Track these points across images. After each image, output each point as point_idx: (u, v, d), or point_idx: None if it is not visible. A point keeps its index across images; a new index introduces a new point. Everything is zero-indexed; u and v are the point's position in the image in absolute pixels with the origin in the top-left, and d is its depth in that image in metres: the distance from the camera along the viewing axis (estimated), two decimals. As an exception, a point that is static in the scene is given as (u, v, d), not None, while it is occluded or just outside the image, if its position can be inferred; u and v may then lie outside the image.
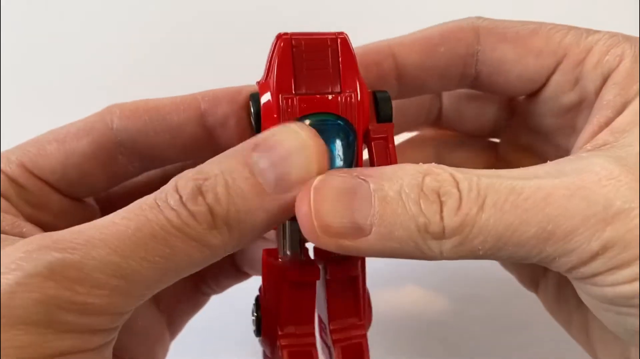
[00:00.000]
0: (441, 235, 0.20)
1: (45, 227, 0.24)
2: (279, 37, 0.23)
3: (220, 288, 0.33)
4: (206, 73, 0.38)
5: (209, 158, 0.24)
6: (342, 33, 0.23)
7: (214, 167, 0.21)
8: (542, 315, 0.30)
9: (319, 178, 0.21)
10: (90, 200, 0.28)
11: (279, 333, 0.24)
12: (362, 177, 0.21)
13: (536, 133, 0.28)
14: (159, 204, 0.20)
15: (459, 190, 0.20)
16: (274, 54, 0.23)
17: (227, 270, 0.32)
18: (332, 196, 0.21)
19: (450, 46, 0.26)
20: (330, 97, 0.23)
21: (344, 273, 0.25)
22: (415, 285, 0.38)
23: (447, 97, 0.30)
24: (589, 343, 0.27)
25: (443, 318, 0.38)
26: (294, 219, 0.24)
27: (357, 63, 0.23)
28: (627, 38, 0.24)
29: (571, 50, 0.24)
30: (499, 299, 0.32)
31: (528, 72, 0.25)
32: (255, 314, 0.26)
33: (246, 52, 0.36)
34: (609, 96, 0.23)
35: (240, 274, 0.32)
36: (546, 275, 0.29)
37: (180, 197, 0.20)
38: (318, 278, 0.24)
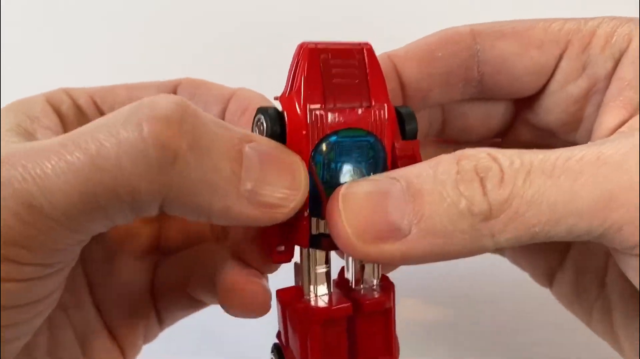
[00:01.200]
0: (488, 214, 0.18)
1: None
2: (303, 47, 0.21)
3: (173, 320, 0.29)
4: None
5: None
6: (367, 43, 0.22)
7: (206, 121, 0.18)
8: (543, 315, 0.30)
9: (345, 185, 0.20)
10: None
11: None
12: (393, 176, 0.19)
13: (539, 132, 0.27)
14: (113, 133, 0.17)
15: (499, 164, 0.18)
16: (300, 65, 0.21)
17: (181, 301, 0.28)
18: (362, 200, 0.19)
19: (448, 50, 0.25)
20: (360, 111, 0.21)
21: (378, 305, 0.22)
22: (416, 285, 0.36)
23: (450, 109, 0.28)
24: (612, 333, 0.26)
25: (444, 318, 0.37)
26: (317, 249, 0.22)
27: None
28: (629, 19, 0.23)
29: (574, 37, 0.24)
30: (499, 299, 0.32)
31: (533, 64, 0.24)
32: None
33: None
34: (629, 75, 0.22)
35: (195, 303, 0.28)
36: (563, 266, 0.28)
37: (141, 126, 0.17)
38: (350, 312, 0.22)
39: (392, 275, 0.24)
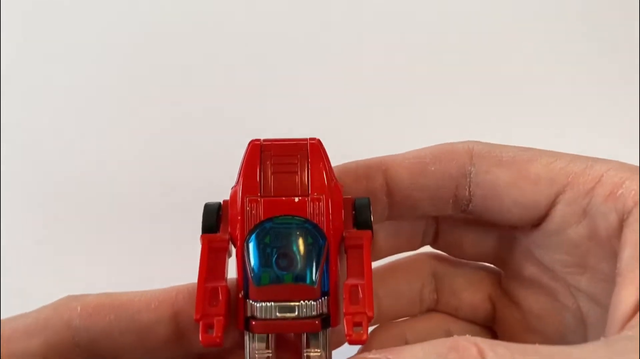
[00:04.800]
0: None
1: None
2: (250, 142, 0.23)
3: None
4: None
5: None
6: (314, 139, 0.23)
7: None
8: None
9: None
10: None
11: None
12: (391, 356, 0.19)
13: (543, 268, 0.25)
14: None
15: None
16: (244, 159, 0.23)
17: None
18: None
19: (442, 166, 0.25)
20: (297, 199, 0.22)
21: None
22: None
23: (445, 220, 0.27)
24: None
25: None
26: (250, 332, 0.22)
27: (330, 168, 0.23)
28: (637, 170, 0.21)
29: (576, 179, 0.22)
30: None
31: (524, 199, 0.23)
32: None
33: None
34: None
35: None
36: None
37: None
38: None
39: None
